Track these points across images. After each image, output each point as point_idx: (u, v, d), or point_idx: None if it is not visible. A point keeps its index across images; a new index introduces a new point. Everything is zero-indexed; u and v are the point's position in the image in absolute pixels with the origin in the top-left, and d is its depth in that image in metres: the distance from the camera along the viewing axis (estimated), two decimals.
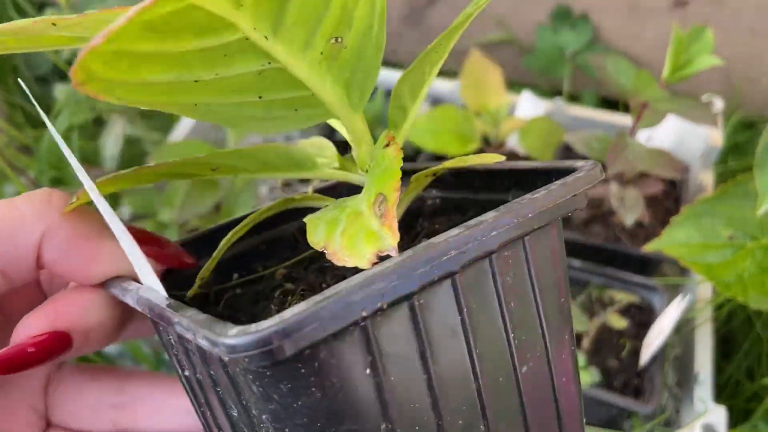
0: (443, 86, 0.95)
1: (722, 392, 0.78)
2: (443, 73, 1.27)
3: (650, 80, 0.61)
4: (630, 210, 0.70)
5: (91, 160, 1.01)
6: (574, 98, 1.22)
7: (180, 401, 0.28)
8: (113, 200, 0.96)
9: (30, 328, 0.21)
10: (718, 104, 0.81)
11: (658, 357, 0.63)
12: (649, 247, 0.62)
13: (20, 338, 0.21)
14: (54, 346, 0.21)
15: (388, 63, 1.31)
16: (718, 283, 0.59)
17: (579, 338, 0.68)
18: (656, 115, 0.67)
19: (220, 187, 0.73)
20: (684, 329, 0.74)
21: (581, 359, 0.64)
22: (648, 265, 0.77)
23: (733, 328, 0.83)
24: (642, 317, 0.70)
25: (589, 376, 0.62)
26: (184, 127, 0.89)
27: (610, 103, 1.22)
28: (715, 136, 0.81)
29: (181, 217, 0.68)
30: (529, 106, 0.85)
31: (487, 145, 0.83)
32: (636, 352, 0.68)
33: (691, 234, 0.61)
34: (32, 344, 0.21)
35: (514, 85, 1.25)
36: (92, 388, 0.27)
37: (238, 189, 0.70)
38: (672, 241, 0.61)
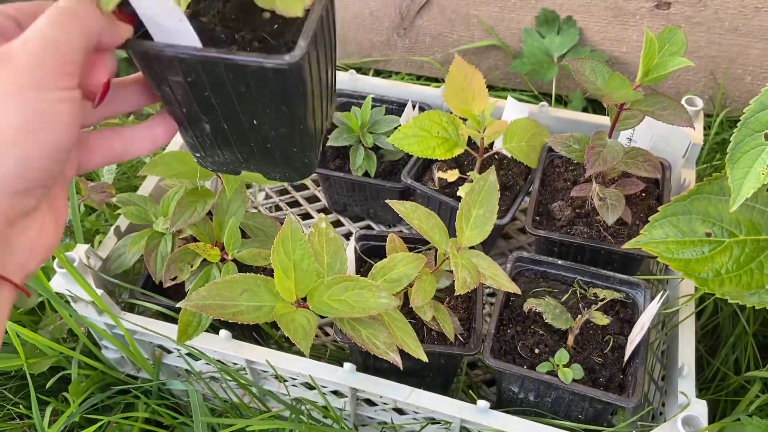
0: (430, 92, 0.97)
1: (709, 385, 0.80)
2: (431, 80, 1.28)
3: (624, 82, 0.62)
4: (611, 209, 0.72)
5: (87, 174, 1.03)
6: (562, 100, 1.24)
7: (154, 132, 0.47)
8: (111, 210, 0.98)
9: (101, 77, 0.40)
10: (699, 103, 0.83)
11: (641, 352, 0.65)
12: (628, 246, 0.64)
13: (98, 80, 0.40)
14: (107, 87, 0.41)
15: (381, 71, 1.34)
16: (696, 279, 0.61)
17: (564, 335, 0.69)
18: (634, 116, 0.69)
19: (212, 194, 0.75)
20: (668, 324, 0.75)
21: (565, 356, 0.65)
22: (632, 263, 0.79)
23: (720, 322, 0.84)
24: (626, 314, 0.72)
25: (572, 373, 0.64)
26: (178, 137, 0.91)
27: (599, 105, 1.24)
28: (696, 135, 0.83)
29: (175, 226, 0.70)
30: (514, 109, 0.87)
31: (474, 148, 0.85)
32: (621, 348, 0.69)
33: (668, 231, 0.63)
34: (107, 83, 0.40)
35: (504, 89, 1.27)
36: (100, 137, 0.44)
37: (229, 196, 0.72)
38: (650, 239, 0.63)
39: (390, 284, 0.65)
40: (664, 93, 1.18)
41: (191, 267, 0.72)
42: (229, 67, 0.45)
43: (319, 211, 1.03)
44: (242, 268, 0.73)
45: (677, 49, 0.62)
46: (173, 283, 0.72)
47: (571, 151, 0.73)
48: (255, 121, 0.50)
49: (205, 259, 0.71)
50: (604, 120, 0.92)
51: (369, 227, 1.00)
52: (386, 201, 0.68)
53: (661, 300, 0.63)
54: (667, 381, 0.71)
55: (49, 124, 0.35)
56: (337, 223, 1.02)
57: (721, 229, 0.62)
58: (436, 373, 0.74)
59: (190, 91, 0.48)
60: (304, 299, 0.61)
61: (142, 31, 0.43)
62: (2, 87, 0.34)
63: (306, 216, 1.03)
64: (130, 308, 0.80)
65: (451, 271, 0.64)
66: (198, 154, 0.55)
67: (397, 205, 0.66)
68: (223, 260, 0.73)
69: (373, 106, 0.96)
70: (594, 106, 1.23)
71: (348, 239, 0.98)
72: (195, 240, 0.74)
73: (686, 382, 0.66)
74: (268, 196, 1.06)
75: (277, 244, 0.59)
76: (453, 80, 0.82)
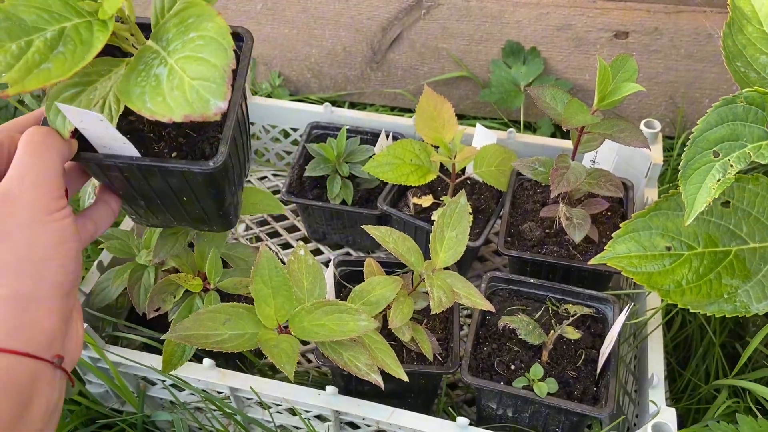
0: (403, 122, 1.01)
1: (682, 395, 0.83)
2: (404, 110, 1.33)
3: (581, 107, 0.66)
4: (578, 228, 0.75)
5: None
6: (531, 127, 1.28)
7: (111, 206, 0.57)
8: (94, 245, 0.99)
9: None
10: (657, 126, 0.87)
11: (611, 364, 0.67)
12: (594, 261, 0.67)
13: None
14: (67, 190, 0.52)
15: (356, 104, 1.38)
16: (659, 291, 0.64)
17: (538, 351, 0.72)
18: (594, 139, 0.73)
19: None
20: (639, 337, 0.78)
21: (539, 371, 0.68)
22: (602, 279, 0.82)
23: (690, 334, 0.88)
24: (596, 328, 0.74)
25: (547, 387, 0.66)
26: None
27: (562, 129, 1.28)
28: (656, 155, 0.87)
29: (157, 257, 0.71)
30: (483, 136, 0.90)
31: (446, 174, 0.88)
32: (594, 361, 0.72)
33: (630, 247, 0.66)
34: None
35: (475, 117, 1.32)
36: (79, 226, 0.52)
37: None
38: (614, 254, 0.66)
39: (369, 307, 0.67)
40: (627, 117, 1.23)
41: (174, 298, 0.74)
42: (162, 170, 0.53)
43: (298, 240, 1.05)
44: (225, 297, 0.74)
45: (630, 75, 0.67)
46: (157, 314, 0.73)
47: (537, 174, 0.76)
48: (185, 198, 0.58)
49: (187, 290, 0.73)
50: (569, 144, 0.97)
51: (348, 254, 1.03)
52: (363, 227, 0.70)
53: (628, 313, 0.66)
54: (639, 392, 0.73)
55: (66, 236, 0.44)
56: (317, 252, 1.04)
57: (680, 242, 0.66)
58: (417, 394, 0.76)
59: (128, 184, 0.55)
60: (286, 326, 0.63)
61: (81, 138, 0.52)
62: (19, 220, 0.41)
63: (286, 245, 1.05)
64: (114, 341, 0.81)
65: (428, 293, 0.67)
66: (134, 217, 0.64)
67: (373, 230, 0.69)
68: (205, 290, 0.74)
69: (348, 137, 0.99)
70: (561, 131, 1.28)
71: (327, 266, 1.00)
72: (177, 271, 0.76)
73: (656, 392, 0.68)
74: (248, 227, 1.08)
75: (254, 274, 0.61)
76: (423, 110, 0.86)
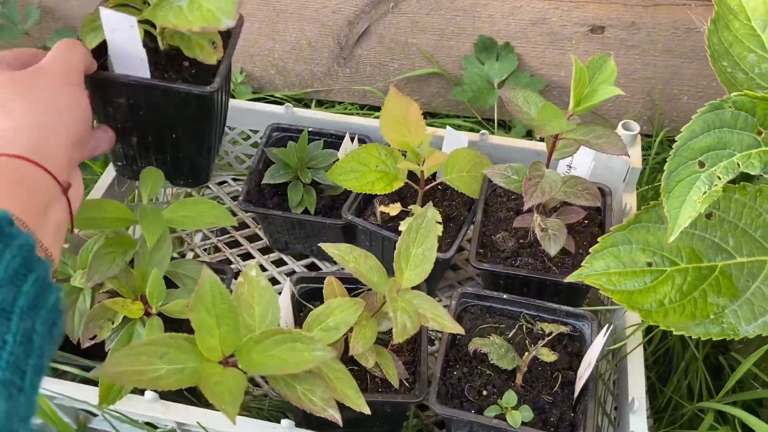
0: (369, 124, 0.95)
1: (663, 414, 0.78)
2: (374, 108, 1.26)
3: (556, 112, 0.61)
4: (554, 240, 0.70)
5: None
6: (505, 125, 1.23)
7: (108, 134, 0.68)
8: None
9: None
10: (635, 128, 0.82)
11: (590, 388, 0.62)
12: (570, 279, 0.62)
13: None
14: None
15: (323, 102, 1.31)
16: (640, 311, 0.59)
17: (512, 374, 0.67)
18: (570, 145, 0.68)
19: (133, 243, 0.70)
20: (617, 355, 0.73)
21: (513, 398, 0.62)
22: (579, 292, 0.77)
23: (671, 346, 0.83)
24: (573, 347, 0.69)
25: (521, 416, 0.61)
26: (100, 186, 0.86)
27: None
28: (635, 159, 0.82)
29: (92, 281, 0.65)
30: (454, 140, 0.85)
31: (415, 180, 0.83)
32: (570, 383, 0.67)
33: (609, 263, 0.61)
34: None
35: (447, 115, 1.26)
36: None
37: (150, 247, 0.67)
38: (592, 271, 0.61)
39: (327, 333, 0.62)
40: (603, 115, 1.19)
41: (112, 324, 0.67)
42: (164, 91, 0.65)
43: (260, 250, 0.99)
44: (170, 322, 0.68)
45: (608, 76, 0.61)
46: (93, 342, 0.66)
47: (510, 182, 0.71)
48: (174, 135, 0.69)
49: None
50: (542, 146, 0.91)
51: (313, 265, 0.97)
52: (320, 245, 0.64)
53: (607, 334, 0.61)
54: (619, 415, 0.69)
55: (82, 103, 0.58)
56: (279, 262, 0.98)
57: (662, 257, 0.61)
58: (382, 421, 0.70)
59: (129, 111, 0.66)
60: (233, 355, 0.57)
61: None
62: (49, 83, 0.56)
63: (247, 256, 0.99)
64: (49, 371, 0.74)
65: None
66: (119, 163, 0.74)
67: (332, 249, 0.63)
68: (148, 314, 0.68)
69: (311, 140, 0.93)
70: None
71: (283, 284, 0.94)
72: (117, 294, 0.69)
73: (637, 417, 0.64)
74: (205, 237, 1.01)
75: (195, 301, 0.55)
76: (389, 112, 0.80)
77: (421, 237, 0.64)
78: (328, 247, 0.63)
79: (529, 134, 1.22)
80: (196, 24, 0.57)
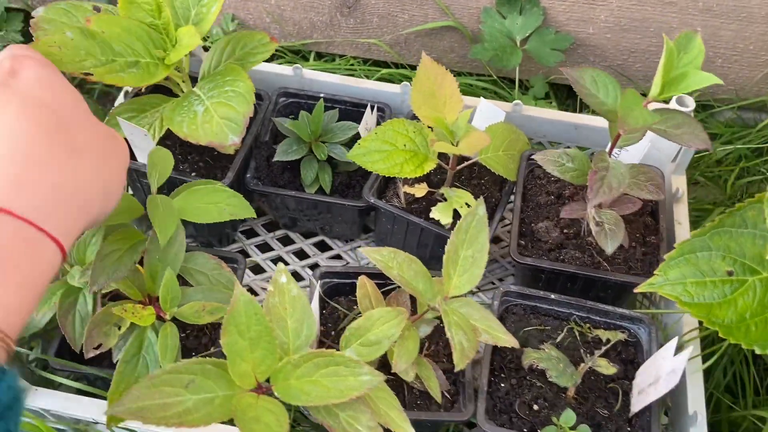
0: (388, 90, 0.85)
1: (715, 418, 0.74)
2: (379, 63, 1.15)
3: (637, 100, 0.52)
4: (611, 236, 0.63)
5: None
6: (523, 85, 1.14)
7: None
8: None
9: None
10: (690, 103, 0.75)
11: (654, 408, 0.57)
12: (640, 289, 0.55)
13: None
14: None
15: (324, 54, 1.20)
16: (720, 327, 0.53)
17: (565, 388, 0.61)
18: (638, 133, 0.60)
19: (141, 236, 0.61)
20: None
21: (571, 417, 0.57)
22: (628, 288, 0.71)
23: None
24: (628, 353, 0.64)
25: None
26: None
27: (561, 89, 1.15)
28: None
29: (96, 285, 0.56)
30: (487, 113, 0.76)
31: (444, 159, 0.74)
32: (626, 394, 0.61)
33: (685, 271, 0.55)
34: None
35: (460, 73, 1.16)
36: None
37: (162, 245, 0.58)
38: (666, 280, 0.54)
39: (368, 348, 0.55)
40: (631, 77, 1.10)
41: (119, 329, 0.59)
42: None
43: (264, 225, 0.90)
44: (183, 326, 0.60)
45: (694, 57, 0.53)
46: (98, 352, 0.58)
47: (566, 171, 0.63)
48: None
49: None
50: (583, 119, 0.83)
51: (322, 243, 0.88)
52: (360, 250, 0.56)
53: (687, 354, 0.55)
54: (676, 426, 0.64)
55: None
56: (286, 240, 0.89)
57: (743, 266, 0.55)
58: None
59: None
60: (268, 379, 0.50)
61: None
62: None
63: (251, 233, 0.90)
64: (45, 381, 0.65)
65: (432, 318, 0.55)
66: None
67: (373, 254, 0.55)
68: (160, 318, 0.60)
69: (324, 109, 0.83)
70: (555, 90, 1.14)
71: (300, 259, 0.86)
72: (122, 295, 0.60)
73: (698, 431, 0.59)
74: None
75: (227, 324, 0.47)
76: (421, 84, 0.71)
77: (471, 237, 0.57)
78: (369, 253, 0.55)
79: (546, 95, 1.13)
80: (204, 140, 0.63)
